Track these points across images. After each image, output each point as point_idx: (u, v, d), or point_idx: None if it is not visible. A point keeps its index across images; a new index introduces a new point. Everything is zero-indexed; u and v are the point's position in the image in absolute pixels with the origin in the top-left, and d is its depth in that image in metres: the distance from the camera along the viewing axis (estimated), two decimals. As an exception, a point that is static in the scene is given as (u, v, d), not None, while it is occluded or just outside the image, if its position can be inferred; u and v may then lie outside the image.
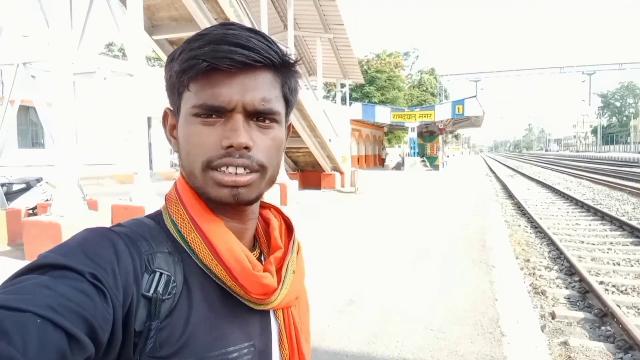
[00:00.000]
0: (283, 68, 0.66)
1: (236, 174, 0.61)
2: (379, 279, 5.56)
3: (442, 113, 29.40)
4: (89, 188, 10.56)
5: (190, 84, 0.61)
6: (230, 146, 0.60)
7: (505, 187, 18.92)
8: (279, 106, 0.65)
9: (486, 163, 50.26)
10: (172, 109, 0.68)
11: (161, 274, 0.59)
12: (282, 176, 12.46)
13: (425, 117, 29.83)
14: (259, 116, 0.63)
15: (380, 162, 40.58)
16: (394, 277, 5.61)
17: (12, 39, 6.99)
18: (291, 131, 0.76)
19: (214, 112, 0.61)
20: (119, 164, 6.77)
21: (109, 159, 6.82)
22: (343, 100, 24.49)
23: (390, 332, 3.94)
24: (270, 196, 10.94)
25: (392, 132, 45.41)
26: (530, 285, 5.92)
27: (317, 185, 16.30)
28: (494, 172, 30.72)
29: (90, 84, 7.62)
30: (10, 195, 7.90)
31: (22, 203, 7.91)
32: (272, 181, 0.67)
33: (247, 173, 0.62)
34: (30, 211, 7.93)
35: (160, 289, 0.58)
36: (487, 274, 5.74)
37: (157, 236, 0.63)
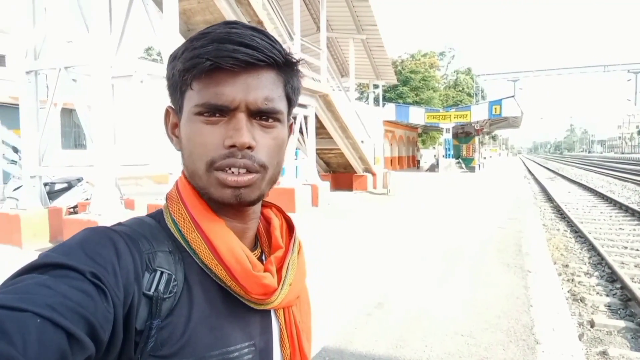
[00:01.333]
0: (286, 67, 0.66)
1: (238, 173, 0.61)
2: (409, 282, 5.47)
3: (478, 114, 28.77)
4: (127, 188, 10.92)
5: (193, 83, 0.61)
6: (233, 145, 0.60)
7: (544, 190, 18.31)
8: (281, 105, 0.65)
9: (525, 165, 48.83)
10: (173, 107, 0.68)
11: (162, 272, 0.59)
12: (314, 177, 12.50)
13: (460, 117, 29.27)
14: (261, 115, 0.63)
15: (414, 163, 40.11)
16: (424, 280, 5.52)
17: (55, 44, 7.29)
18: (293, 130, 0.75)
19: (217, 111, 0.61)
20: (154, 164, 6.93)
21: (145, 160, 7.00)
22: (376, 101, 24.34)
23: (419, 336, 3.87)
24: (302, 197, 10.99)
25: (427, 133, 44.81)
26: (568, 291, 5.69)
27: (348, 187, 16.25)
28: (532, 175, 29.81)
29: (128, 87, 7.86)
30: (53, 194, 8.25)
31: (64, 202, 8.25)
32: (273, 181, 0.67)
33: (249, 173, 0.62)
34: (71, 209, 8.26)
35: (161, 287, 0.58)
36: (522, 279, 5.56)
37: (157, 235, 0.63)
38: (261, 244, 0.74)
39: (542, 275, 5.76)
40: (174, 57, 0.64)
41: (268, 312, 0.69)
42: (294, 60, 0.67)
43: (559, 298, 5.01)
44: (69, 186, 8.76)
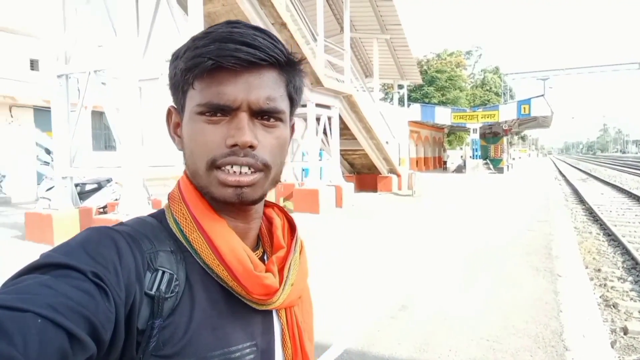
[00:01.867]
0: (288, 67, 0.65)
1: (240, 173, 0.61)
2: (434, 285, 5.39)
3: (506, 113, 28.20)
4: (155, 188, 11.12)
5: (195, 82, 0.61)
6: (235, 145, 0.60)
7: (576, 192, 17.78)
8: (283, 105, 0.65)
9: (555, 166, 47.59)
10: (175, 107, 0.68)
11: (164, 272, 0.59)
12: (338, 178, 12.47)
13: (488, 117, 28.75)
14: (263, 115, 0.63)
15: (440, 164, 39.61)
16: (450, 283, 5.42)
17: (85, 48, 7.49)
18: (294, 130, 0.74)
19: (218, 111, 0.61)
20: (180, 165, 7.05)
21: (171, 161, 7.13)
22: (401, 101, 24.13)
23: (443, 341, 3.80)
24: (326, 198, 10.98)
25: (453, 133, 44.18)
26: (600, 297, 5.49)
27: (373, 188, 16.15)
28: (563, 176, 29.01)
29: (155, 90, 8.01)
30: (83, 195, 8.48)
31: (94, 202, 8.47)
32: (275, 181, 0.67)
33: (252, 172, 0.61)
34: (101, 210, 8.47)
35: (162, 287, 0.58)
36: (551, 283, 5.40)
37: (159, 235, 0.63)
38: (263, 244, 0.74)
39: (572, 280, 5.58)
40: (176, 57, 0.64)
41: (270, 312, 0.69)
42: (296, 60, 0.66)
43: (591, 303, 4.84)
44: (99, 187, 8.99)
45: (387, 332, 4.00)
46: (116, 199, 8.67)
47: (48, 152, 10.07)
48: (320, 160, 12.62)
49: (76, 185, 8.15)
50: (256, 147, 0.61)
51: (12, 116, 12.28)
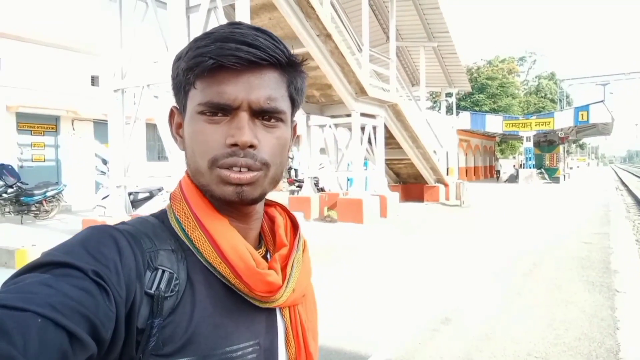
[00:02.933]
0: (289, 67, 0.65)
1: (240, 172, 0.61)
2: (480, 298, 5.20)
3: (562, 120, 26.98)
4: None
5: (196, 82, 0.62)
6: (235, 144, 0.60)
7: (639, 203, 16.68)
8: (284, 105, 0.65)
9: (617, 175, 44.89)
10: (178, 107, 0.69)
11: (164, 271, 0.59)
12: (383, 188, 12.35)
13: (542, 125, 27.61)
14: (264, 115, 0.63)
15: (492, 174, 38.37)
16: (497, 297, 5.21)
17: (140, 64, 7.89)
18: (296, 132, 0.74)
19: (219, 110, 0.61)
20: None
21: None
22: (449, 109, 23.65)
23: (487, 356, 3.65)
24: (370, 208, 10.89)
25: (506, 142, 42.72)
26: (664, 315, 5.10)
27: (419, 198, 15.86)
28: (626, 186, 27.31)
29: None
30: (136, 203, 8.86)
31: (146, 210, 8.82)
32: (276, 180, 0.66)
33: (251, 171, 0.62)
34: (153, 218, 8.82)
35: (162, 286, 0.58)
36: (608, 299, 5.07)
37: (160, 234, 0.63)
38: (266, 242, 0.74)
39: (632, 296, 5.22)
40: (178, 58, 0.65)
41: (273, 310, 0.68)
42: (298, 61, 0.66)
43: (652, 322, 4.50)
44: (151, 195, 9.36)
45: (429, 345, 3.90)
46: (167, 207, 9.00)
47: (105, 162, 10.63)
48: (365, 169, 12.56)
49: (129, 194, 8.54)
50: (256, 146, 0.61)
51: (74, 129, 13.11)
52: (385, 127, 12.58)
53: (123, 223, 0.64)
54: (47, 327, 0.44)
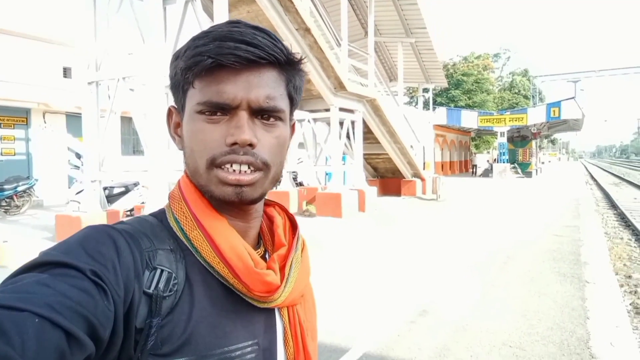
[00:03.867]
0: (288, 66, 0.65)
1: (240, 172, 0.61)
2: (456, 290, 5.31)
3: (535, 116, 27.57)
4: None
5: (195, 81, 0.61)
6: (235, 143, 0.60)
7: (607, 197, 17.24)
8: (283, 104, 0.64)
9: (587, 170, 46.24)
10: (176, 107, 0.69)
11: (162, 270, 0.59)
12: (361, 182, 12.43)
13: (516, 121, 28.17)
14: (263, 114, 0.62)
15: (467, 168, 39.02)
16: (472, 289, 5.34)
17: (114, 56, 7.72)
18: (295, 130, 0.74)
19: (218, 110, 0.61)
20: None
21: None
22: (426, 105, 23.90)
23: (464, 347, 3.74)
24: (348, 202, 10.96)
25: (480, 137, 43.45)
26: (630, 304, 5.31)
27: (397, 192, 16.02)
28: (595, 180, 28.16)
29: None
30: (111, 198, 8.70)
31: (121, 205, 8.68)
32: (275, 180, 0.66)
33: (252, 171, 0.61)
34: (128, 212, 8.67)
35: (161, 285, 0.58)
36: (579, 289, 5.26)
37: (159, 234, 0.63)
38: (264, 242, 0.74)
39: (601, 286, 5.42)
40: (176, 57, 0.64)
41: (272, 310, 0.68)
42: (296, 59, 0.66)
43: (620, 311, 4.69)
44: (126, 190, 9.21)
45: (407, 336, 3.97)
46: (143, 202, 8.87)
47: (79, 156, 10.38)
48: (343, 164, 12.61)
49: (104, 188, 8.38)
50: (256, 145, 0.61)
51: (45, 122, 12.74)
52: (364, 122, 12.64)
53: (121, 222, 0.64)
54: (45, 327, 0.43)
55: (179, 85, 0.65)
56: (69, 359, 0.45)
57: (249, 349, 0.62)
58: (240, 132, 0.60)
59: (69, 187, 10.92)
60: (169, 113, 0.70)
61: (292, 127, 0.72)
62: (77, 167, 10.42)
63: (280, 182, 0.70)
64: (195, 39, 0.62)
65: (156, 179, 6.89)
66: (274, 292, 0.65)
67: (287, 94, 0.66)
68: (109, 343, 0.51)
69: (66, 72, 13.67)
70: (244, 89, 0.60)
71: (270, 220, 0.76)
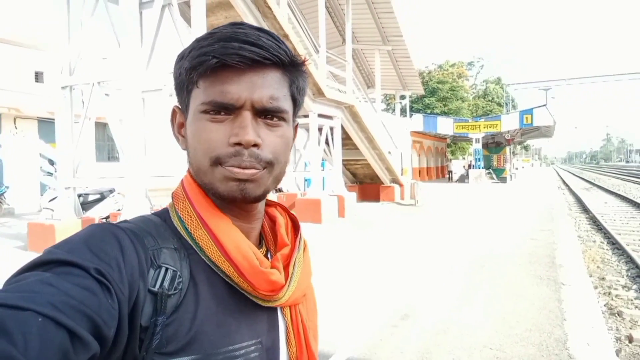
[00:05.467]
0: (291, 67, 0.66)
1: (244, 168, 0.61)
2: (436, 294, 5.36)
3: (508, 123, 28.25)
4: (158, 199, 11.15)
5: (199, 81, 0.62)
6: (239, 143, 0.60)
7: (579, 201, 17.72)
8: (286, 105, 0.65)
9: (559, 175, 47.50)
10: (180, 107, 0.69)
11: (167, 269, 0.59)
12: (340, 188, 12.48)
13: (490, 127, 28.79)
14: (267, 114, 0.63)
15: (443, 174, 39.59)
16: (452, 293, 5.39)
17: (89, 60, 7.58)
18: (297, 132, 0.75)
19: (222, 109, 0.61)
20: (179, 176, 7.06)
21: (174, 171, 7.15)
22: (403, 111, 24.20)
23: (446, 350, 3.77)
24: (328, 208, 10.98)
25: (456, 143, 44.20)
26: (605, 305, 5.45)
27: (375, 198, 16.14)
28: (567, 185, 28.93)
29: (158, 101, 8.08)
30: (86, 205, 8.51)
31: (96, 212, 8.49)
32: (278, 179, 0.67)
33: (255, 169, 0.62)
34: (104, 220, 8.49)
35: (166, 284, 0.58)
36: (555, 292, 5.37)
37: (163, 232, 0.63)
38: (266, 242, 0.74)
39: (576, 288, 5.55)
40: (181, 57, 0.65)
41: (275, 310, 0.69)
42: (300, 61, 0.67)
43: (595, 312, 4.81)
44: (102, 197, 9.02)
45: (389, 341, 3.98)
46: (119, 209, 8.69)
47: (52, 163, 10.11)
48: (322, 170, 12.63)
49: (79, 195, 8.18)
50: (260, 145, 0.61)
51: (16, 127, 12.38)
52: (343, 128, 12.71)
53: (125, 221, 0.63)
54: (48, 326, 0.43)
55: (184, 85, 0.65)
56: (73, 358, 0.44)
57: (252, 348, 0.63)
58: (245, 133, 0.60)
59: (41, 195, 10.62)
60: (173, 113, 0.71)
61: (295, 129, 0.72)
62: (50, 174, 10.14)
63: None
64: (199, 40, 0.63)
65: (133, 185, 6.77)
66: (278, 291, 0.65)
67: (291, 95, 0.66)
68: (113, 342, 0.51)
69: (38, 77, 13.33)
70: (247, 89, 0.61)
71: (272, 220, 0.76)
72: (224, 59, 0.59)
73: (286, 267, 0.68)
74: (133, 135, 6.74)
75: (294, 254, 0.70)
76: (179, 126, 0.69)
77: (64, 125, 7.64)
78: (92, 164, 8.57)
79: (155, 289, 0.57)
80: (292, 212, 0.79)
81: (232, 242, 0.63)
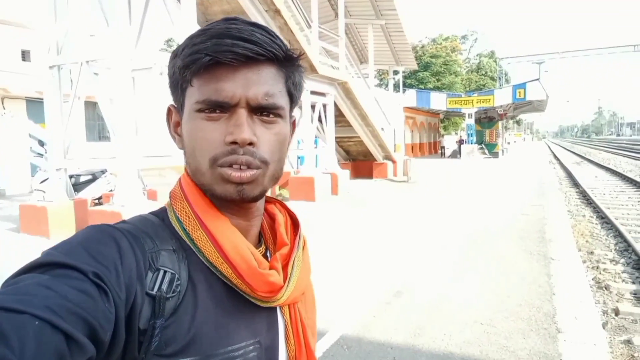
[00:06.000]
0: (287, 62, 0.65)
1: (240, 169, 0.61)
2: (428, 271, 5.45)
3: (501, 98, 28.18)
4: (151, 179, 11.11)
5: (193, 79, 0.61)
6: (234, 142, 0.60)
7: (570, 175, 17.90)
8: (282, 101, 0.64)
9: (550, 149, 47.77)
10: (175, 105, 0.68)
11: (165, 272, 0.59)
12: (333, 166, 12.49)
13: (483, 102, 28.72)
14: (262, 111, 0.62)
15: (436, 150, 39.67)
16: (444, 269, 5.49)
17: (77, 38, 7.41)
18: (295, 127, 0.74)
19: (217, 108, 0.61)
20: (176, 155, 7.03)
21: (167, 151, 7.10)
22: (396, 87, 24.05)
23: (438, 325, 3.86)
24: (321, 186, 11.01)
25: (449, 118, 44.15)
26: (592, 279, 5.58)
27: (369, 175, 16.18)
28: (558, 159, 29.15)
29: (148, 79, 7.95)
30: (78, 186, 8.45)
31: (89, 193, 8.45)
32: (276, 177, 0.66)
33: (251, 169, 0.61)
34: (96, 201, 8.46)
35: (164, 287, 0.58)
36: (544, 266, 5.48)
37: (161, 233, 0.63)
38: (265, 240, 0.74)
39: (565, 263, 5.66)
40: (174, 55, 0.64)
41: (274, 309, 0.69)
42: (295, 56, 0.66)
43: (583, 286, 4.92)
44: (94, 178, 8.95)
45: (382, 317, 4.07)
46: (111, 190, 8.65)
47: (42, 143, 9.99)
48: (315, 147, 12.61)
49: (70, 176, 8.11)
50: (255, 144, 0.61)
51: (4, 108, 12.18)
52: (335, 105, 12.63)
53: (123, 222, 0.63)
54: (45, 329, 0.43)
55: (178, 84, 0.64)
56: None
57: (251, 348, 0.63)
58: (240, 131, 0.59)
59: (32, 176, 10.53)
60: (169, 112, 0.70)
61: (293, 124, 0.71)
62: (40, 155, 10.03)
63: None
64: (192, 37, 0.62)
65: (125, 166, 6.73)
66: (277, 292, 0.65)
67: (287, 91, 0.66)
68: (110, 345, 0.51)
69: (25, 55, 13.05)
70: (242, 86, 0.60)
71: (271, 218, 0.76)
72: (217, 57, 0.58)
73: (285, 267, 0.68)
74: (124, 114, 6.66)
75: (293, 253, 0.70)
76: (175, 125, 0.69)
77: (53, 105, 7.52)
78: (82, 144, 8.48)
79: (154, 292, 0.57)
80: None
81: (231, 243, 0.62)
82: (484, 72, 49.00)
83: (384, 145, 15.63)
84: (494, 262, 5.70)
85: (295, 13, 10.81)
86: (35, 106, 12.23)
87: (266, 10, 9.40)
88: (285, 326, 0.70)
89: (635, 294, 5.09)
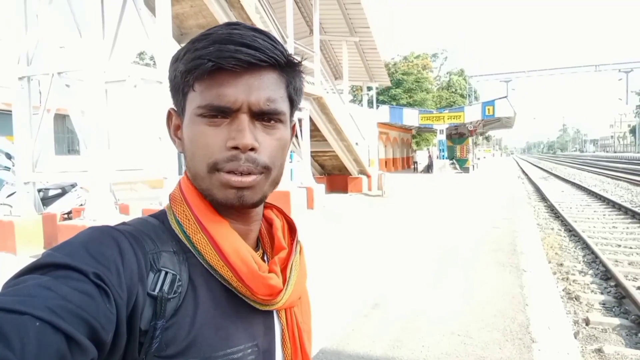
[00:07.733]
0: (288, 68, 0.65)
1: (241, 175, 0.61)
2: (405, 283, 5.49)
3: (471, 114, 28.94)
4: (122, 193, 10.87)
5: (195, 84, 0.61)
6: (236, 147, 0.60)
7: (538, 190, 18.42)
8: (284, 106, 0.65)
9: (518, 165, 49.10)
10: (176, 109, 0.68)
11: (166, 272, 0.59)
12: (309, 180, 12.51)
13: (454, 119, 29.42)
14: (264, 116, 0.63)
15: (409, 165, 40.24)
16: (420, 282, 5.54)
17: (48, 49, 7.26)
18: (295, 131, 0.75)
19: (219, 113, 0.61)
20: (149, 169, 6.91)
21: (139, 165, 6.97)
22: (370, 103, 24.39)
23: (416, 337, 3.89)
24: (297, 200, 10.99)
25: (420, 134, 44.94)
26: (563, 290, 5.73)
27: (344, 189, 16.27)
28: (526, 175, 29.97)
29: (122, 92, 7.84)
30: (47, 200, 8.19)
31: (58, 208, 8.20)
32: (276, 182, 0.67)
33: (252, 175, 0.62)
34: (66, 215, 8.22)
35: (165, 287, 0.58)
36: (517, 278, 5.59)
37: (161, 235, 0.63)
38: (263, 245, 0.74)
39: (537, 274, 5.79)
40: (176, 59, 0.64)
41: (271, 313, 0.69)
42: (296, 61, 0.66)
43: (554, 297, 5.04)
44: (63, 192, 8.71)
45: (361, 330, 4.06)
46: (81, 204, 8.43)
47: (9, 156, 9.67)
48: (291, 162, 12.62)
49: (39, 190, 7.88)
50: (257, 149, 0.61)
51: (-32, 119, 11.77)
52: (311, 119, 12.71)
53: (124, 223, 0.63)
54: (45, 330, 0.43)
55: (179, 88, 0.64)
56: None
57: (249, 351, 0.63)
58: (242, 137, 0.60)
59: (-2, 190, 10.16)
60: (169, 115, 0.70)
61: (293, 129, 0.72)
62: (7, 169, 9.70)
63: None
64: (194, 42, 0.62)
65: (97, 179, 6.57)
66: (276, 295, 0.65)
67: (288, 96, 0.66)
68: (111, 346, 0.51)
69: (-9, 66, 12.66)
70: (244, 92, 0.60)
71: (268, 223, 0.76)
72: (220, 63, 0.59)
73: (283, 271, 0.69)
74: (96, 127, 6.53)
75: (291, 257, 0.71)
76: (175, 128, 0.69)
77: (21, 117, 7.31)
78: (51, 158, 8.26)
79: (155, 293, 0.57)
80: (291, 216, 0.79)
81: (231, 247, 0.63)
82: (454, 90, 50.21)
83: (359, 159, 15.78)
84: (468, 274, 5.78)
85: (271, 28, 10.90)
86: (2, 118, 11.86)
87: (242, 25, 9.45)
88: (282, 330, 0.71)
89: (604, 304, 5.25)
